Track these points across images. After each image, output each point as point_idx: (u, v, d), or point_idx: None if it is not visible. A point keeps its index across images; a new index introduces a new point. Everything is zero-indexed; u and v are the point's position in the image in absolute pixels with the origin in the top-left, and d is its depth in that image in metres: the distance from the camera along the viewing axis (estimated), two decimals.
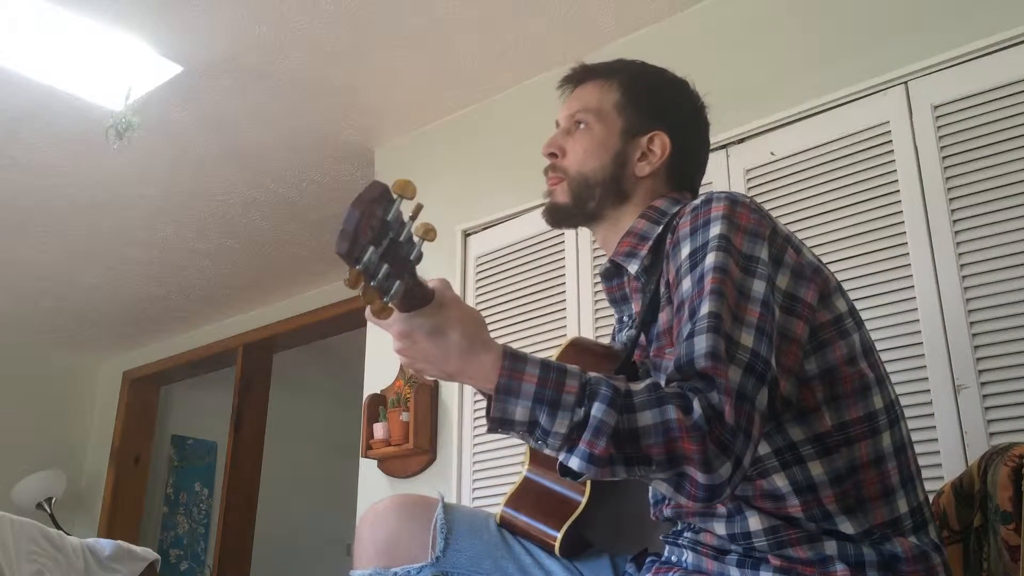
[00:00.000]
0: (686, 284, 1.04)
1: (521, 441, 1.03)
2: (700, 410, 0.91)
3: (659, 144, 1.27)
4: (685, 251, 1.07)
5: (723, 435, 0.91)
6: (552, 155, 1.31)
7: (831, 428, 1.05)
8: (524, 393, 0.94)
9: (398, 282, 0.84)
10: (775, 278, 1.04)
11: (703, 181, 1.38)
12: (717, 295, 0.99)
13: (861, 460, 1.05)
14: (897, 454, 1.08)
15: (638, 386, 0.95)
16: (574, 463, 0.92)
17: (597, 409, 0.92)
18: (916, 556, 1.03)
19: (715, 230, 1.05)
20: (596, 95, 1.30)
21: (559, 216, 1.32)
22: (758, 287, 1.01)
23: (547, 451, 0.96)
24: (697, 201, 1.11)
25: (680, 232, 1.10)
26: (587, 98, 1.31)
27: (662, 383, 0.98)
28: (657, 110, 1.29)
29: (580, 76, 1.34)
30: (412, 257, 0.86)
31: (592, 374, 0.96)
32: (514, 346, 3.01)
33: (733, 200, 1.08)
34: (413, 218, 0.86)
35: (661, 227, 1.22)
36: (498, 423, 0.96)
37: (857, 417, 1.06)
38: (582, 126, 1.29)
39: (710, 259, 1.02)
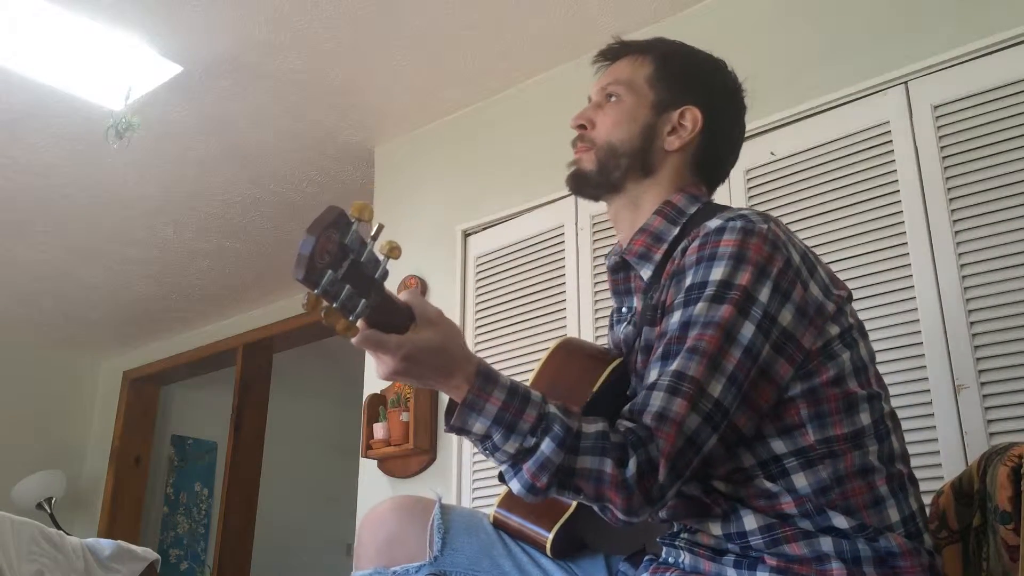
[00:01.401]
0: (674, 319, 1.05)
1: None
2: (635, 469, 0.96)
3: (690, 119, 1.25)
4: (686, 282, 1.07)
5: (651, 488, 0.97)
6: (581, 127, 1.29)
7: (814, 443, 1.05)
8: (486, 412, 0.98)
9: (363, 301, 0.85)
10: (776, 315, 1.04)
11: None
12: (692, 353, 1.01)
13: (846, 471, 1.05)
14: (886, 466, 1.08)
15: (589, 428, 0.98)
16: (514, 486, 0.99)
17: (547, 446, 0.97)
18: (911, 551, 1.03)
19: (718, 272, 1.04)
20: (628, 69, 1.29)
21: (582, 183, 1.28)
22: (747, 331, 1.02)
23: (491, 459, 1.02)
24: (712, 226, 1.09)
25: (687, 259, 1.09)
26: (619, 72, 1.29)
27: (627, 407, 1.02)
28: (690, 86, 1.27)
29: (616, 52, 1.32)
30: (377, 276, 0.87)
31: (551, 408, 0.99)
32: (514, 346, 2.98)
33: (747, 231, 1.06)
34: (375, 238, 0.88)
35: (678, 229, 1.19)
36: (455, 429, 1.00)
37: (841, 434, 1.06)
38: (613, 99, 1.27)
39: (699, 308, 1.03)
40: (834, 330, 1.09)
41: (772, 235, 1.07)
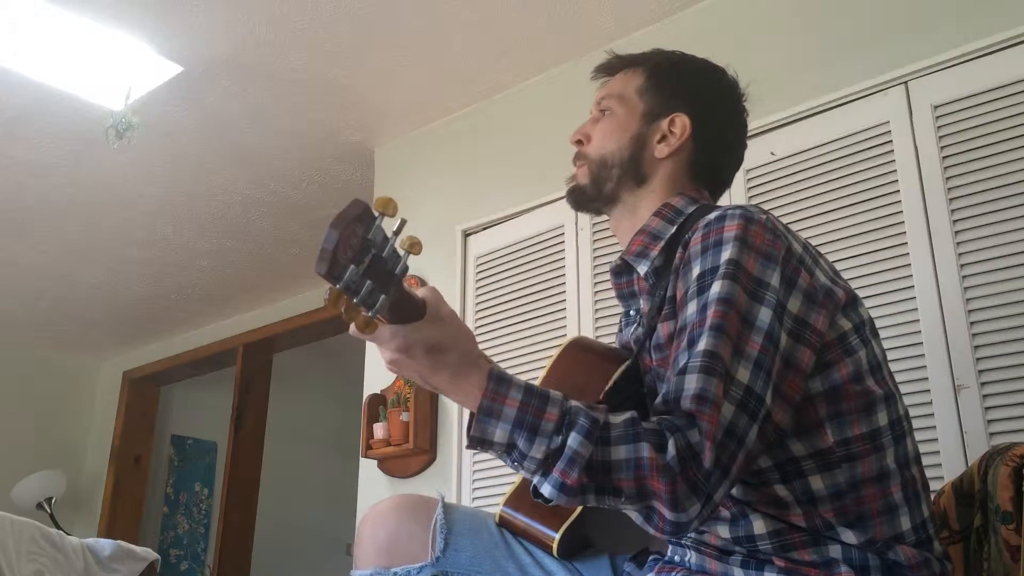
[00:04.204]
0: (691, 308, 1.03)
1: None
2: (674, 451, 0.91)
3: (679, 125, 1.26)
4: (695, 272, 1.05)
5: (697, 476, 0.91)
6: (578, 142, 1.33)
7: (833, 444, 1.04)
8: (505, 416, 0.94)
9: (383, 296, 0.84)
10: (785, 302, 1.02)
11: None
12: (717, 331, 0.98)
13: (863, 476, 1.04)
14: (902, 471, 1.07)
15: (617, 419, 0.95)
16: (546, 490, 0.94)
17: (573, 439, 0.92)
18: (919, 563, 1.03)
19: (726, 253, 1.03)
20: (621, 82, 1.32)
21: (578, 198, 1.32)
22: (764, 316, 1.00)
23: (523, 473, 0.97)
24: (711, 216, 1.09)
25: (691, 250, 1.08)
26: (613, 86, 1.33)
27: (659, 399, 0.98)
28: (680, 93, 1.29)
29: (613, 66, 1.36)
30: (397, 271, 0.86)
31: (573, 403, 0.96)
32: (514, 346, 2.98)
33: (748, 219, 1.06)
34: (397, 233, 0.87)
35: (675, 227, 1.20)
36: (477, 442, 0.96)
37: (860, 434, 1.05)
38: (606, 112, 1.31)
39: (716, 288, 1.01)
40: (847, 324, 1.08)
41: (771, 224, 1.07)
